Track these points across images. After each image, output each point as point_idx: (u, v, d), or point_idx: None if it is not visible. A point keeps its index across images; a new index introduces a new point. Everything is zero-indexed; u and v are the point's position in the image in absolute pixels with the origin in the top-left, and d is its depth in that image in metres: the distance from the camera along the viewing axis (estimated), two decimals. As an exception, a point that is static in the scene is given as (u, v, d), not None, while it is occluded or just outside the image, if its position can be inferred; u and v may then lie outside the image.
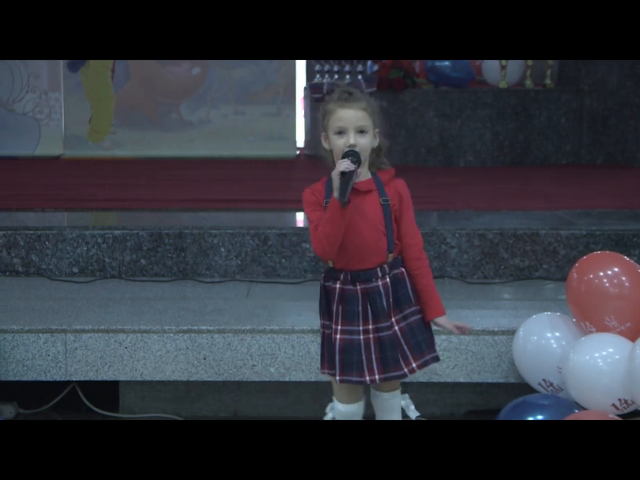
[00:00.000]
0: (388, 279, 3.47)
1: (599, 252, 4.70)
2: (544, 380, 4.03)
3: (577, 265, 4.10)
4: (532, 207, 5.99)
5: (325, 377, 3.66)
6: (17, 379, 4.37)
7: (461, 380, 4.36)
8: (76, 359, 4.35)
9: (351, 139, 3.38)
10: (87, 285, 5.12)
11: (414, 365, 3.50)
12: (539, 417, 3.75)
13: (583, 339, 3.90)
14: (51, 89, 9.18)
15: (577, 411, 3.76)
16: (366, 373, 3.46)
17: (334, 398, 3.62)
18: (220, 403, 4.66)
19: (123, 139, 9.16)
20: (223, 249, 5.27)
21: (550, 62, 8.45)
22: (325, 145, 3.48)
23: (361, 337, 3.46)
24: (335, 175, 3.32)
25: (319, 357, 3.61)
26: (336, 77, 8.85)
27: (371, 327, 3.46)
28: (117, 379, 4.44)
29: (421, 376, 4.33)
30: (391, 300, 3.48)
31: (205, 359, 4.33)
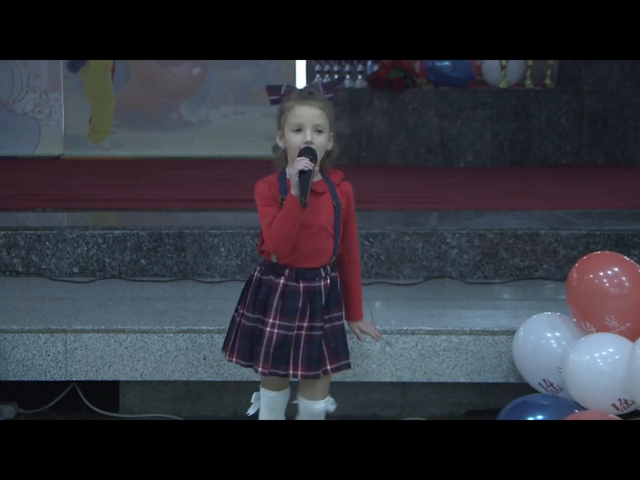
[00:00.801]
0: (329, 280, 3.52)
1: (599, 252, 4.70)
2: (544, 380, 4.03)
3: (577, 265, 4.10)
4: (532, 207, 5.99)
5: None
6: (17, 379, 4.37)
7: (461, 380, 4.36)
8: (76, 359, 4.35)
9: (308, 135, 3.42)
10: (87, 285, 5.12)
11: (329, 367, 3.57)
12: (539, 417, 3.75)
13: (583, 339, 3.90)
14: (51, 89, 9.19)
15: (576, 411, 3.75)
16: (291, 367, 3.54)
17: (261, 387, 3.69)
18: (220, 403, 4.66)
19: (123, 139, 9.17)
20: (223, 249, 5.27)
21: (550, 62, 8.45)
22: (280, 143, 3.53)
23: (294, 332, 3.52)
24: (294, 173, 3.35)
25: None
26: (336, 76, 8.87)
27: (305, 324, 3.53)
28: (117, 379, 4.44)
29: (420, 376, 4.34)
30: (326, 301, 3.53)
31: (205, 359, 4.33)
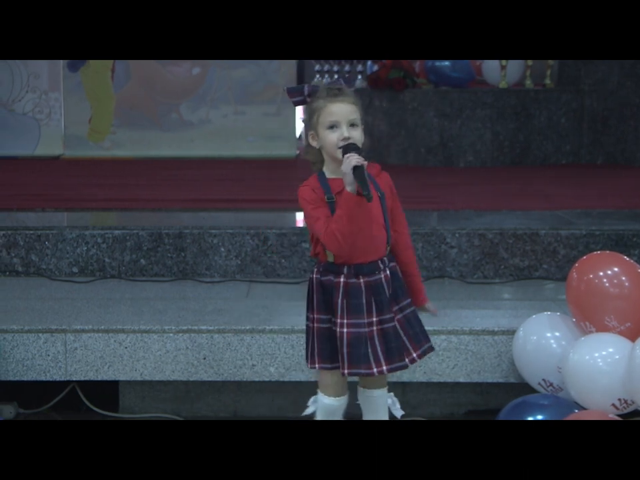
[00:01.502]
0: (388, 272, 3.50)
1: (598, 252, 4.70)
2: (544, 380, 4.03)
3: (576, 264, 4.10)
4: (532, 207, 5.99)
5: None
6: (16, 378, 4.37)
7: (461, 380, 4.36)
8: (76, 359, 4.35)
9: (345, 131, 3.39)
10: (86, 285, 5.12)
11: (414, 354, 3.54)
12: (539, 417, 3.75)
13: (583, 338, 3.90)
14: (50, 89, 9.18)
15: (576, 410, 3.76)
16: (373, 365, 3.48)
17: (319, 391, 3.63)
18: (220, 402, 4.66)
19: (123, 139, 9.16)
20: (222, 249, 5.27)
21: (550, 62, 8.45)
22: (314, 143, 3.48)
23: (367, 329, 3.48)
24: (347, 170, 3.32)
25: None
26: (336, 76, 8.86)
27: (375, 319, 3.48)
28: (116, 379, 4.44)
29: (420, 376, 4.34)
30: (390, 292, 3.51)
31: (204, 358, 4.33)
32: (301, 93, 3.49)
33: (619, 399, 3.72)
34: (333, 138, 3.41)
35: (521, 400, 3.90)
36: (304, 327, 3.59)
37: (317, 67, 8.93)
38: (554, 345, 4.03)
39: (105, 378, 4.38)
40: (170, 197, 6.43)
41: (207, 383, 4.58)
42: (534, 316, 4.19)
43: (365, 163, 3.36)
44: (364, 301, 3.48)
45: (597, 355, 3.77)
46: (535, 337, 4.09)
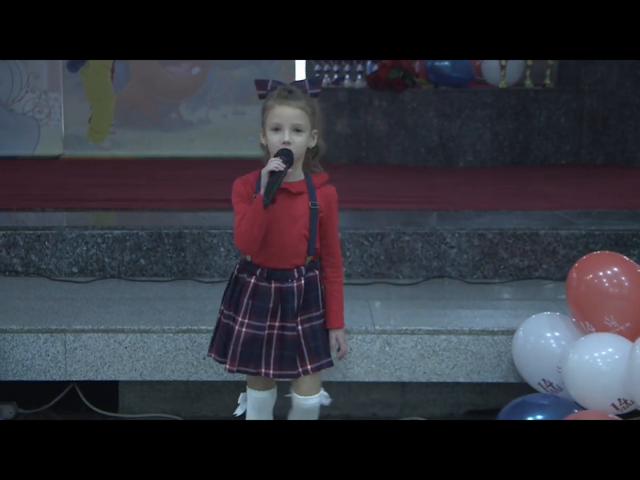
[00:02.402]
0: (303, 281, 3.52)
1: (598, 252, 4.70)
2: (543, 380, 4.03)
3: (576, 264, 4.10)
4: (531, 206, 5.99)
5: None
6: (16, 379, 4.37)
7: (461, 380, 4.36)
8: (75, 359, 4.35)
9: (286, 136, 3.41)
10: (86, 285, 5.12)
11: (309, 367, 3.58)
12: (539, 417, 3.75)
13: (583, 338, 3.90)
14: (50, 89, 9.19)
15: (576, 410, 3.75)
16: (262, 366, 3.54)
17: (247, 387, 3.72)
18: (219, 402, 4.67)
19: (123, 139, 9.17)
20: (222, 249, 5.27)
21: (550, 62, 8.45)
22: (263, 141, 3.53)
23: (266, 332, 3.53)
24: (264, 173, 3.35)
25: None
26: (335, 76, 8.87)
27: (277, 324, 3.54)
28: (116, 379, 4.44)
29: (420, 376, 4.34)
30: (301, 301, 3.53)
31: (204, 358, 4.33)
32: (264, 87, 3.51)
33: (619, 399, 3.72)
34: (274, 140, 3.44)
35: (520, 400, 3.90)
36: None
37: (317, 67, 8.93)
38: (554, 345, 4.03)
39: (105, 378, 4.38)
40: (170, 197, 6.43)
41: (206, 383, 4.58)
42: (534, 316, 4.19)
43: (284, 170, 3.35)
44: (270, 305, 3.52)
45: (596, 354, 3.77)
46: (534, 337, 4.08)
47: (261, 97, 3.54)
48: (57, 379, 4.39)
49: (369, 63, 8.82)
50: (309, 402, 3.64)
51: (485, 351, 4.32)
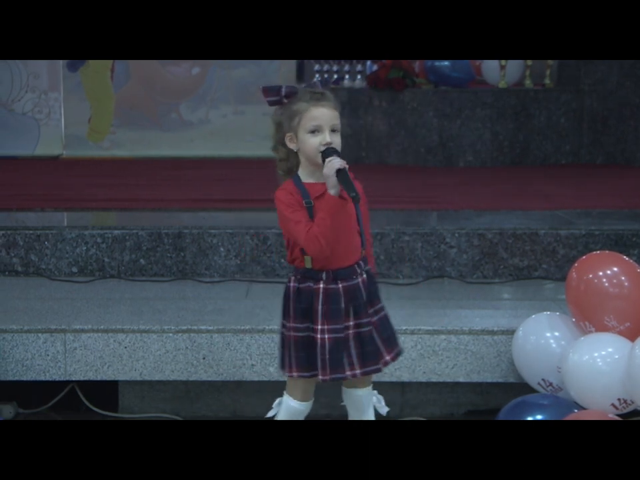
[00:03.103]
0: (365, 275, 3.51)
1: (598, 252, 4.70)
2: (543, 380, 4.03)
3: (576, 264, 4.10)
4: (531, 206, 5.99)
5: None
6: (16, 378, 4.37)
7: (461, 380, 4.36)
8: (75, 359, 4.35)
9: (327, 137, 3.37)
10: (86, 285, 5.12)
11: (387, 357, 3.54)
12: (539, 417, 3.75)
13: (583, 338, 3.90)
14: (50, 89, 9.18)
15: (576, 410, 3.76)
16: (347, 368, 3.49)
17: (286, 394, 3.63)
18: (219, 402, 4.66)
19: (123, 139, 9.17)
20: (222, 249, 5.27)
21: (549, 62, 8.45)
22: (292, 146, 3.47)
23: (344, 333, 3.48)
24: (331, 173, 3.31)
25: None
26: (335, 76, 8.86)
27: (351, 322, 3.49)
28: (116, 379, 4.44)
29: (420, 376, 4.34)
30: (367, 296, 3.52)
31: (204, 358, 4.33)
32: (277, 93, 3.47)
33: (619, 399, 3.72)
34: (314, 142, 3.39)
35: (520, 400, 3.90)
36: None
37: (317, 67, 8.93)
38: (553, 345, 4.03)
39: (105, 378, 4.38)
40: (169, 197, 6.43)
41: (206, 383, 4.58)
42: (533, 316, 4.19)
43: (347, 166, 3.33)
44: (342, 305, 3.48)
45: (596, 354, 3.77)
46: (534, 337, 4.09)
47: (272, 103, 3.52)
48: (57, 379, 4.40)
49: (368, 62, 8.82)
50: (358, 393, 3.61)
51: (485, 351, 4.32)
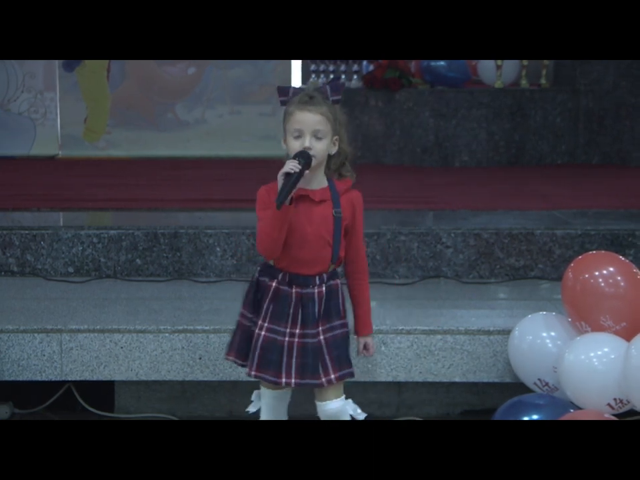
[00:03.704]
0: (324, 288, 3.51)
1: (594, 252, 4.70)
2: (539, 379, 4.03)
3: (572, 264, 4.10)
4: (527, 206, 6.00)
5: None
6: (12, 378, 4.37)
7: (457, 380, 4.36)
8: (71, 359, 4.34)
9: (307, 141, 3.39)
10: (82, 285, 5.12)
11: (332, 376, 3.51)
12: (535, 417, 3.75)
13: (579, 338, 3.91)
14: (46, 89, 9.18)
15: (572, 410, 3.76)
16: (283, 374, 3.50)
17: (261, 385, 3.66)
18: (216, 402, 4.67)
19: (119, 139, 9.16)
20: (218, 249, 5.27)
21: (545, 62, 8.46)
22: (284, 146, 3.50)
23: (286, 338, 3.49)
24: (280, 175, 3.34)
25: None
26: (331, 76, 8.87)
27: (297, 331, 3.50)
28: (112, 379, 4.44)
29: (416, 376, 4.34)
30: (322, 309, 3.52)
31: (200, 358, 4.33)
32: (286, 94, 3.50)
33: (615, 399, 3.73)
34: (295, 146, 3.42)
35: (516, 400, 3.90)
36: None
37: (313, 67, 8.93)
38: (549, 345, 4.03)
39: (101, 378, 4.38)
40: (165, 197, 6.43)
41: (202, 383, 4.58)
42: (529, 316, 4.20)
43: (300, 172, 3.33)
44: (291, 310, 3.50)
45: (592, 354, 3.78)
46: (530, 337, 4.09)
47: (283, 103, 3.53)
48: (53, 379, 4.39)
49: (364, 62, 8.83)
50: (328, 407, 3.59)
51: (481, 351, 4.32)
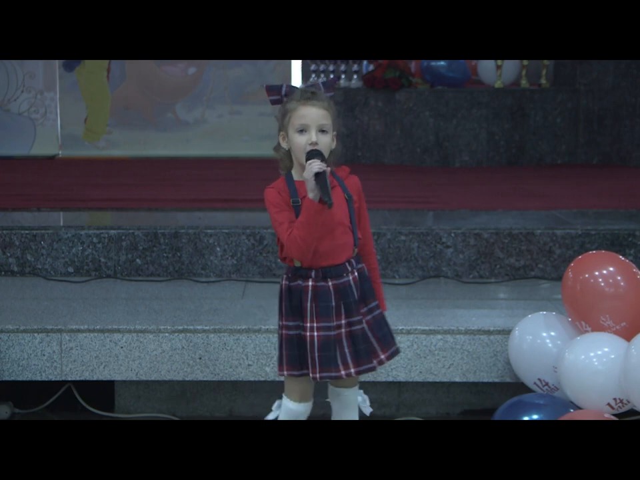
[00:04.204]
0: (356, 273, 3.50)
1: (594, 251, 4.70)
2: (539, 379, 4.04)
3: (572, 264, 4.10)
4: (527, 206, 6.00)
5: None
6: (12, 378, 4.37)
7: (457, 379, 4.36)
8: (71, 359, 4.34)
9: (313, 136, 3.38)
10: (82, 285, 5.12)
11: (382, 356, 3.53)
12: (535, 417, 3.75)
13: (579, 338, 3.91)
14: (46, 89, 9.18)
15: (572, 410, 3.76)
16: (341, 367, 3.48)
17: (284, 395, 3.61)
18: (215, 402, 4.67)
19: (119, 139, 9.17)
20: (218, 249, 5.27)
21: (545, 62, 8.46)
22: (284, 144, 3.49)
23: (336, 332, 3.48)
24: (309, 177, 3.32)
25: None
26: (331, 76, 8.86)
27: (343, 321, 3.49)
28: (112, 379, 4.44)
29: (416, 376, 4.34)
30: (359, 294, 3.51)
31: (200, 358, 4.33)
32: (278, 92, 3.49)
33: (615, 399, 3.73)
34: (301, 141, 3.40)
35: (516, 399, 3.90)
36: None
37: (313, 67, 8.93)
38: (549, 345, 4.03)
39: (101, 378, 4.38)
40: (165, 197, 6.43)
41: (202, 383, 4.58)
42: (529, 315, 4.20)
43: (327, 169, 3.33)
44: (333, 303, 3.47)
45: (592, 354, 3.78)
46: (530, 337, 4.09)
47: (274, 102, 3.52)
48: (53, 379, 4.39)
49: (364, 62, 8.83)
50: (344, 393, 3.61)
51: (481, 351, 4.33)
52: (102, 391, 4.66)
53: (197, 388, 4.65)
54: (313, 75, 8.88)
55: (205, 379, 4.39)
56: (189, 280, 5.23)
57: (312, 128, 3.39)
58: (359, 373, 3.51)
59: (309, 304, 3.48)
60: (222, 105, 9.13)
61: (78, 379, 4.39)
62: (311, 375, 3.48)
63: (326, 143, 3.41)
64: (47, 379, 4.39)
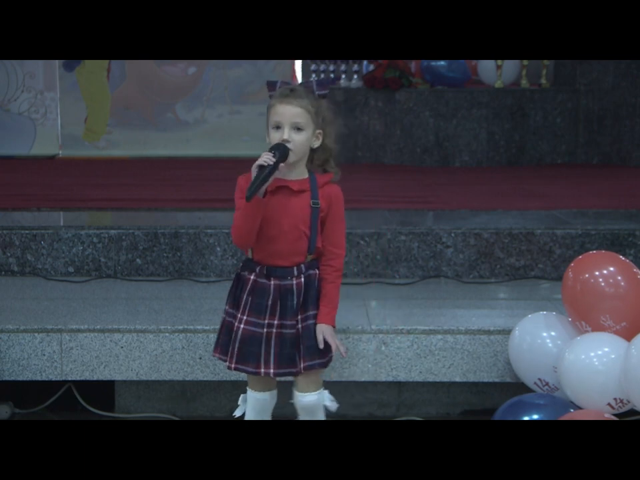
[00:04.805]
0: (302, 279, 3.52)
1: (594, 251, 4.70)
2: (540, 379, 4.03)
3: (572, 264, 4.10)
4: (527, 206, 6.00)
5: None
6: (12, 378, 4.37)
7: (457, 379, 4.36)
8: (71, 359, 4.34)
9: (285, 133, 3.43)
10: (82, 285, 5.12)
11: (301, 365, 3.55)
12: (535, 417, 3.75)
13: (579, 338, 3.91)
14: (46, 89, 9.18)
15: (572, 410, 3.76)
16: (262, 365, 3.54)
17: (248, 388, 3.69)
18: (216, 402, 4.67)
19: (119, 139, 9.17)
20: (218, 249, 5.27)
21: (545, 62, 8.46)
22: (267, 139, 3.54)
23: (264, 330, 3.53)
24: (254, 167, 3.37)
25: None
26: (332, 76, 8.86)
27: (276, 322, 3.54)
28: (112, 379, 4.44)
29: (416, 375, 4.34)
30: (301, 300, 3.52)
31: (200, 358, 4.33)
32: (274, 88, 3.54)
33: (615, 399, 3.73)
34: (274, 138, 3.47)
35: (516, 399, 3.90)
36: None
37: (313, 67, 8.93)
38: (550, 345, 4.03)
39: (101, 378, 4.38)
40: (166, 197, 6.43)
41: (203, 383, 4.58)
42: (530, 315, 4.20)
43: (273, 164, 3.35)
44: (270, 302, 3.52)
45: (592, 354, 3.78)
46: (530, 337, 4.09)
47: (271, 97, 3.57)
48: (53, 379, 4.39)
49: (364, 62, 8.83)
50: (306, 399, 3.63)
51: (481, 351, 4.32)
52: (102, 390, 4.66)
53: (197, 388, 4.65)
54: (313, 75, 8.88)
55: (205, 378, 4.39)
56: (189, 280, 5.22)
57: (285, 125, 3.44)
58: (277, 375, 3.57)
59: (245, 296, 3.56)
60: (222, 104, 9.13)
61: (78, 378, 4.39)
62: (227, 363, 3.58)
63: (299, 141, 3.44)
64: (47, 379, 4.39)
